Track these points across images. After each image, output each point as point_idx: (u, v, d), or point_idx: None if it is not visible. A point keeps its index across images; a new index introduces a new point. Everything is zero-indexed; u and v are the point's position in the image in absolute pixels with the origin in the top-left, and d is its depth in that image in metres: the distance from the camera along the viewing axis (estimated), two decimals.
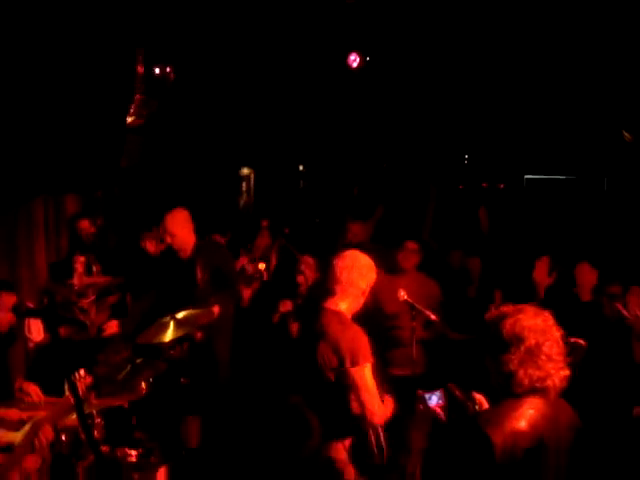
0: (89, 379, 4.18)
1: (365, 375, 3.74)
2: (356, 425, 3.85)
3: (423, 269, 5.94)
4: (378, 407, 3.79)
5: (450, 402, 3.76)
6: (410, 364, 5.00)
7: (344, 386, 3.79)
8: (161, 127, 6.15)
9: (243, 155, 11.77)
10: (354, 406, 3.81)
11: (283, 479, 4.06)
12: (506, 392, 2.54)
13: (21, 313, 2.89)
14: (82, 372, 4.12)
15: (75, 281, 6.62)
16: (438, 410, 3.68)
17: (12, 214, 6.62)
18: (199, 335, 5.70)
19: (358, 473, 3.89)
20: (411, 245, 5.82)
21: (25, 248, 6.90)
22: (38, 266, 7.07)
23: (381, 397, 3.88)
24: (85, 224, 6.94)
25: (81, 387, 4.06)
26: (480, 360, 2.66)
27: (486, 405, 3.00)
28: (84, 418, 2.95)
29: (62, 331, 5.71)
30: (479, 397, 3.05)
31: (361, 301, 3.97)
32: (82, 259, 6.71)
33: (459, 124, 11.30)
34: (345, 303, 3.91)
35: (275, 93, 9.93)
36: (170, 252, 6.20)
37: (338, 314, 3.89)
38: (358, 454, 3.89)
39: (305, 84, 9.66)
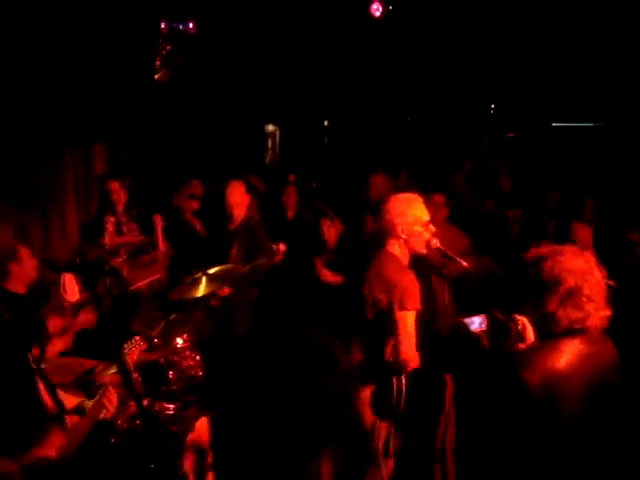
0: (144, 345, 4.21)
1: (408, 321, 3.81)
2: (383, 370, 3.90)
3: (456, 221, 5.83)
4: (413, 354, 3.84)
5: (493, 326, 3.76)
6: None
7: (383, 329, 3.86)
8: (187, 84, 6.11)
9: (268, 112, 11.70)
10: (387, 350, 3.87)
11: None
12: (545, 332, 2.54)
13: (57, 268, 2.93)
14: (138, 338, 4.16)
15: (106, 241, 6.69)
16: (481, 334, 3.67)
17: (43, 176, 6.66)
18: (226, 291, 5.72)
19: (377, 417, 3.97)
20: (437, 198, 5.72)
21: (56, 210, 6.96)
22: (69, 227, 7.15)
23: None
24: (115, 185, 6.96)
25: (136, 353, 4.09)
26: (519, 300, 2.66)
27: (529, 327, 2.95)
28: (125, 370, 3.00)
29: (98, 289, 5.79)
30: (521, 319, 3.02)
31: (418, 242, 4.04)
32: (112, 219, 6.77)
33: (485, 73, 11.13)
34: (400, 247, 4.01)
35: (299, 47, 9.82)
36: (215, 221, 6.22)
37: (395, 258, 3.99)
38: (379, 398, 3.94)
39: (328, 36, 9.53)
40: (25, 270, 4.56)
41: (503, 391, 2.52)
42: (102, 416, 3.48)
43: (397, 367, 3.85)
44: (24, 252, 4.62)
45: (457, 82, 11.62)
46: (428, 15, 9.28)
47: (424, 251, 4.10)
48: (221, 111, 9.93)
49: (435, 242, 4.79)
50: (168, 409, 4.45)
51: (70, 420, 3.27)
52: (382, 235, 4.05)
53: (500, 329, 3.32)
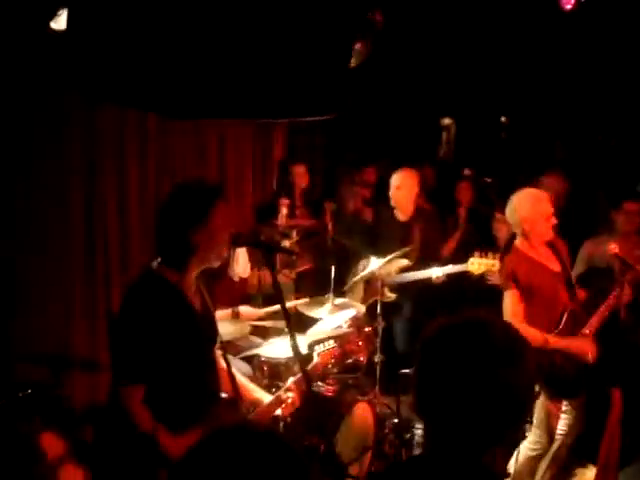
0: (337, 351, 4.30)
1: (510, 299, 4.22)
2: None
3: None
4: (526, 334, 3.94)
5: None
6: None
7: None
8: (368, 73, 6.16)
9: (444, 104, 11.56)
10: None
11: None
12: None
13: (241, 242, 3.03)
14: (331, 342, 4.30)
15: (279, 222, 6.90)
16: None
17: (224, 155, 6.95)
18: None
19: None
20: (631, 206, 5.36)
21: (234, 189, 7.24)
22: (245, 207, 7.40)
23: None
24: (301, 169, 7.15)
25: (328, 357, 4.19)
26: None
27: None
28: (298, 350, 3.07)
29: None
30: None
31: (542, 233, 4.34)
32: (287, 202, 6.95)
33: None
34: (525, 241, 4.37)
35: (480, 39, 9.62)
36: (386, 211, 6.23)
37: (515, 250, 4.40)
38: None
39: (513, 28, 9.25)
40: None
41: None
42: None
43: None
44: None
45: None
46: (623, 6, 8.77)
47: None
48: (398, 101, 9.93)
49: (614, 247, 4.73)
50: (327, 391, 4.55)
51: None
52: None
53: None
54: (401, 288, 5.74)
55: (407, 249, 5.47)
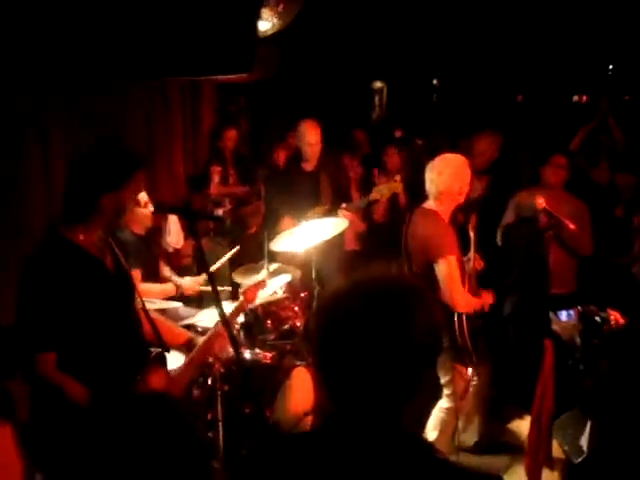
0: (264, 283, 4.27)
1: (448, 266, 4.10)
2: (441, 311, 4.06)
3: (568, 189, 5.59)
4: (460, 296, 4.14)
5: (584, 321, 3.73)
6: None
7: (431, 276, 4.12)
8: (294, 38, 6.09)
9: (376, 68, 11.55)
10: (441, 295, 4.13)
11: None
12: None
13: (164, 209, 2.97)
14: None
15: (212, 190, 6.81)
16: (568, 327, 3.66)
17: (151, 120, 6.79)
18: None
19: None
20: (559, 160, 5.36)
21: (164, 158, 7.10)
22: (176, 176, 7.29)
23: (477, 291, 4.36)
24: (232, 133, 7.04)
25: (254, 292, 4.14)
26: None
27: (622, 322, 2.89)
28: (225, 317, 3.03)
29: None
30: (615, 314, 2.96)
31: (457, 200, 4.28)
32: (219, 169, 6.86)
33: (602, 32, 10.59)
34: (441, 205, 4.26)
35: (409, 2, 9.62)
36: (295, 162, 6.26)
37: (431, 213, 4.27)
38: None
39: None
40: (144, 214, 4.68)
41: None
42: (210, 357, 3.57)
43: (451, 307, 4.14)
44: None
45: (572, 41, 11.12)
46: None
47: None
48: (327, 64, 9.88)
49: (541, 202, 4.83)
50: (265, 357, 4.53)
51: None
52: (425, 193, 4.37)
53: (591, 324, 3.29)
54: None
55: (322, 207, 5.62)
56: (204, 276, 5.02)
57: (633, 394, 2.69)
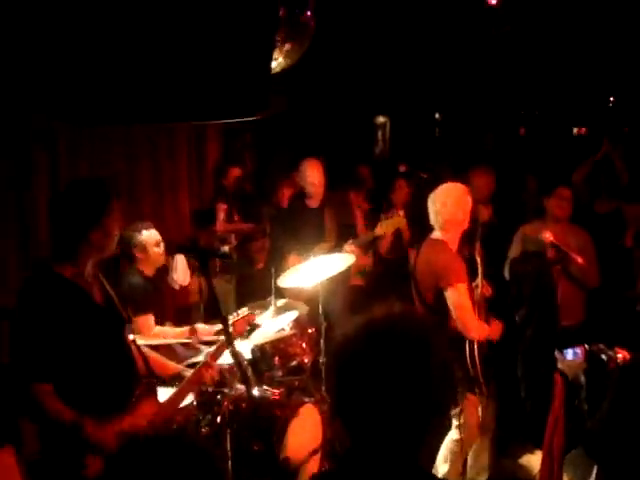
0: (252, 317, 4.31)
1: (459, 294, 4.18)
2: (454, 340, 4.19)
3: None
4: (473, 323, 4.22)
5: (590, 359, 3.72)
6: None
7: (442, 304, 4.21)
8: (301, 74, 6.16)
9: (378, 103, 11.64)
10: (453, 324, 4.20)
11: None
12: None
13: (171, 249, 3.04)
14: (244, 309, 4.26)
15: (218, 227, 6.85)
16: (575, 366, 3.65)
17: (159, 159, 6.86)
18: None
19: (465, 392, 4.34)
20: (564, 192, 5.41)
21: (170, 196, 7.15)
22: (182, 214, 7.32)
23: (487, 319, 4.42)
24: (236, 172, 7.11)
25: (242, 324, 4.17)
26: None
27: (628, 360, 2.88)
28: (236, 353, 3.06)
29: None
30: (623, 352, 2.95)
31: (462, 227, 4.38)
32: (224, 207, 6.91)
33: (604, 64, 10.67)
34: (447, 234, 4.35)
35: (410, 38, 9.71)
36: (299, 200, 6.30)
37: (439, 242, 4.36)
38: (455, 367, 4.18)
39: (441, 26, 9.38)
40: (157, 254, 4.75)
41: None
42: (201, 388, 3.60)
43: (464, 335, 4.21)
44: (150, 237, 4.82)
45: (573, 74, 11.21)
46: (548, 2, 8.98)
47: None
48: (332, 101, 9.95)
49: (548, 236, 4.87)
50: (273, 394, 4.51)
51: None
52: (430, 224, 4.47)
53: (597, 363, 3.30)
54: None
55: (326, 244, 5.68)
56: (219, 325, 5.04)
57: (635, 434, 2.66)
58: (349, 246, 5.52)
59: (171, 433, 1.49)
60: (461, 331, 4.20)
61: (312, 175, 6.05)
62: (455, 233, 4.37)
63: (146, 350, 3.47)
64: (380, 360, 1.56)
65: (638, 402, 2.43)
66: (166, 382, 3.65)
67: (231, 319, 4.03)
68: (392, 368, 1.55)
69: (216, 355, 3.65)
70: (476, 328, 4.25)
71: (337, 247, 5.66)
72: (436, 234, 4.41)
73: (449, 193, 4.37)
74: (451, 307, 4.20)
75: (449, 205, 4.31)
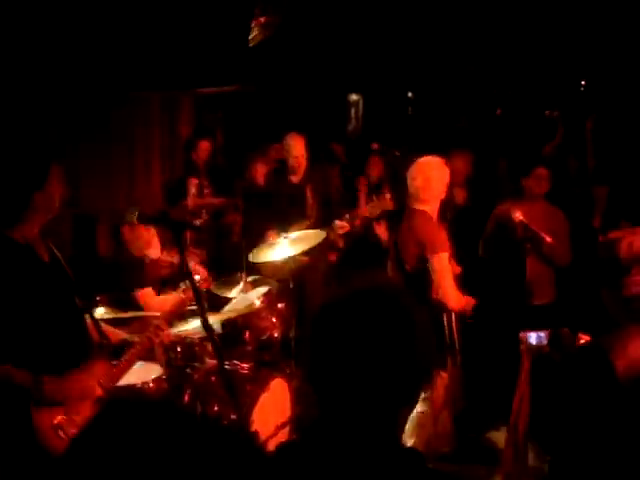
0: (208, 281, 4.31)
1: (442, 262, 4.30)
2: (431, 307, 4.26)
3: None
4: (453, 292, 4.34)
5: (555, 343, 3.78)
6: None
7: (423, 272, 4.32)
8: (275, 49, 6.13)
9: (351, 80, 11.60)
10: (433, 293, 4.30)
11: None
12: (627, 318, 2.43)
13: (148, 219, 3.03)
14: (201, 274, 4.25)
15: (189, 202, 6.81)
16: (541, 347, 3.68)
17: (130, 135, 6.80)
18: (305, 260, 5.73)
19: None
20: (542, 171, 5.44)
21: (143, 170, 7.11)
22: (154, 188, 7.28)
23: (462, 292, 4.46)
24: (206, 145, 7.05)
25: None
26: (597, 289, 2.57)
27: None
28: (209, 325, 3.06)
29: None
30: (585, 339, 2.99)
31: (440, 198, 4.50)
32: (195, 181, 6.87)
33: (576, 47, 10.72)
34: (427, 205, 4.44)
35: (384, 16, 9.68)
36: (280, 175, 6.29)
37: (422, 212, 4.45)
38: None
39: (415, 3, 9.36)
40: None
41: (587, 376, 2.43)
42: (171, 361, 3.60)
43: (443, 303, 4.32)
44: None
45: (547, 55, 11.24)
46: None
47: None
48: (305, 78, 9.91)
49: (518, 215, 4.91)
50: (243, 368, 4.53)
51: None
52: (410, 195, 4.54)
53: (563, 346, 3.33)
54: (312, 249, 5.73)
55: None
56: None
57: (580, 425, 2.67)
58: (342, 221, 5.47)
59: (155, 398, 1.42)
60: (441, 300, 4.31)
61: (296, 149, 6.04)
62: (435, 204, 4.48)
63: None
64: (363, 323, 1.51)
65: (584, 386, 2.46)
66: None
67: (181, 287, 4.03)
68: (376, 331, 1.50)
69: (168, 318, 3.68)
70: (455, 297, 4.36)
71: (316, 225, 5.64)
72: (417, 205, 4.49)
73: (430, 166, 4.49)
74: (434, 275, 4.30)
75: (431, 178, 4.42)
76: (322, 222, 5.69)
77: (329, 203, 6.29)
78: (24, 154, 3.02)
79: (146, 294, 4.81)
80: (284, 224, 5.59)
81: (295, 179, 6.15)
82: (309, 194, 6.11)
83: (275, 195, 6.18)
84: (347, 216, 5.54)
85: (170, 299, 4.80)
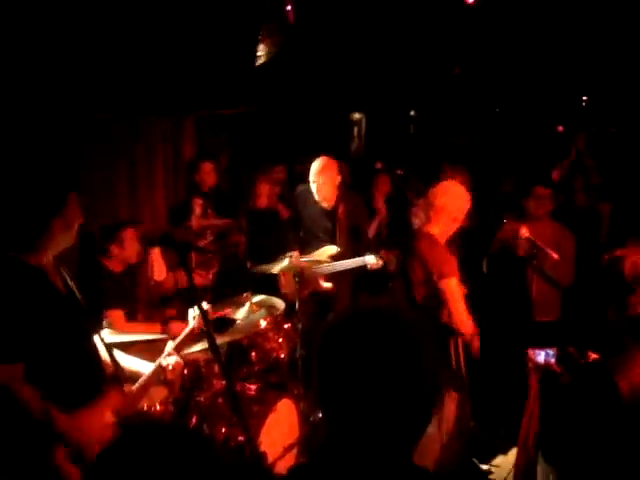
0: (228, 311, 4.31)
1: (452, 287, 4.25)
2: (439, 331, 4.28)
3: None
4: (465, 316, 4.29)
5: (563, 361, 3.75)
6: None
7: (432, 298, 4.31)
8: (278, 70, 6.14)
9: (354, 99, 11.64)
10: (443, 315, 4.29)
11: None
12: (634, 338, 2.42)
13: (149, 241, 3.02)
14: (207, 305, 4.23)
15: (193, 223, 6.80)
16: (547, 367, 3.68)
17: (135, 154, 6.82)
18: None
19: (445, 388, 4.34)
20: (541, 191, 5.43)
21: (146, 191, 7.11)
22: (157, 208, 7.28)
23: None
24: (208, 167, 7.04)
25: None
26: (602, 308, 2.56)
27: None
28: (216, 347, 3.04)
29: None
30: (595, 357, 2.99)
31: (453, 226, 4.45)
32: (200, 201, 6.85)
33: (578, 63, 10.75)
34: (437, 227, 4.42)
35: (386, 35, 9.73)
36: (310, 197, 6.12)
37: (429, 235, 4.41)
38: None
39: (417, 23, 9.41)
40: (127, 252, 4.77)
41: (592, 397, 2.42)
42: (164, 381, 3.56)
43: (455, 327, 4.29)
44: (130, 234, 4.83)
45: (548, 72, 11.28)
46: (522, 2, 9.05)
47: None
48: (308, 98, 9.95)
49: (525, 232, 4.92)
50: (249, 389, 4.51)
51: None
52: (421, 216, 4.74)
53: (571, 365, 3.33)
54: (336, 277, 5.72)
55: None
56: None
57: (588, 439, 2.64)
58: (377, 259, 5.38)
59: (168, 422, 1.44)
60: (453, 324, 4.27)
61: (327, 173, 5.88)
62: (446, 228, 4.44)
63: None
64: (366, 342, 1.51)
65: (590, 406, 2.44)
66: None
67: (192, 315, 4.00)
68: (380, 350, 1.50)
69: (179, 347, 3.59)
70: (467, 322, 4.32)
71: (347, 252, 5.61)
72: (427, 227, 4.48)
73: (450, 190, 4.47)
74: (444, 300, 4.26)
75: (447, 203, 4.39)
76: (352, 252, 5.64)
77: (358, 232, 6.05)
78: (43, 178, 2.97)
79: (115, 315, 4.76)
80: (311, 247, 5.65)
81: (327, 204, 5.97)
82: (340, 220, 5.92)
83: (304, 219, 6.09)
84: (382, 254, 5.43)
85: (140, 328, 4.81)
